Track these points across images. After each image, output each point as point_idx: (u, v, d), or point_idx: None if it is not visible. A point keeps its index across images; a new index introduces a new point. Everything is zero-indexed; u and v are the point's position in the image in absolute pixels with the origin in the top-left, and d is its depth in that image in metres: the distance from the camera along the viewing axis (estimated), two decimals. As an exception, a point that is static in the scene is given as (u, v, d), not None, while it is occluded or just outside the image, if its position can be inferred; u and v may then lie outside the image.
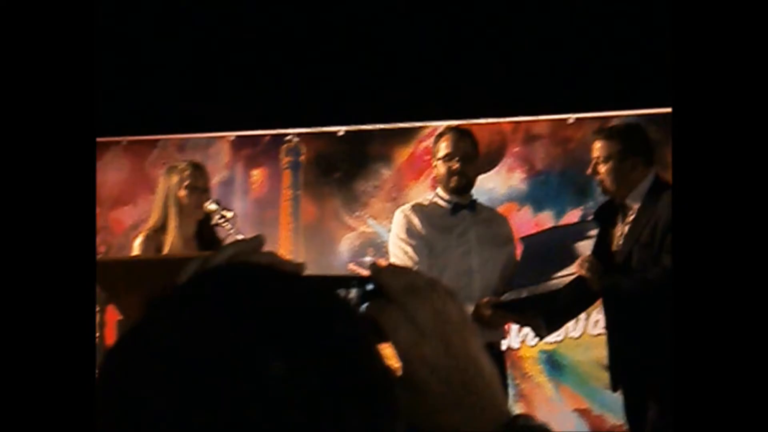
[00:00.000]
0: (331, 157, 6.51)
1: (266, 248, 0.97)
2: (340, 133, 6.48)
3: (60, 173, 0.84)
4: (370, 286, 0.94)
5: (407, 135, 6.46)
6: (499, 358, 4.64)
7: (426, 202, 4.67)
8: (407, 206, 4.69)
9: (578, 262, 4.23)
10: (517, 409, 5.03)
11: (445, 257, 4.50)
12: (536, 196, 6.14)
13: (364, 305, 0.94)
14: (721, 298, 0.69)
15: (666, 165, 5.00)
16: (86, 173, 0.86)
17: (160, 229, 4.68)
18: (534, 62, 6.02)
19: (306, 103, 6.30)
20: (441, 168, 4.59)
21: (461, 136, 4.65)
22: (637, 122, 5.27)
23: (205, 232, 4.75)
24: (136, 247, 4.68)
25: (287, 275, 0.85)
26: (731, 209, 0.73)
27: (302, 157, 6.55)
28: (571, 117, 6.23)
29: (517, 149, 6.31)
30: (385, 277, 0.93)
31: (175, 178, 4.73)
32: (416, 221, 4.54)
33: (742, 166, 0.73)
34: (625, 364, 4.35)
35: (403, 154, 6.45)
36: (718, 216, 0.74)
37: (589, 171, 4.46)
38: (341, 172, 6.49)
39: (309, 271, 0.98)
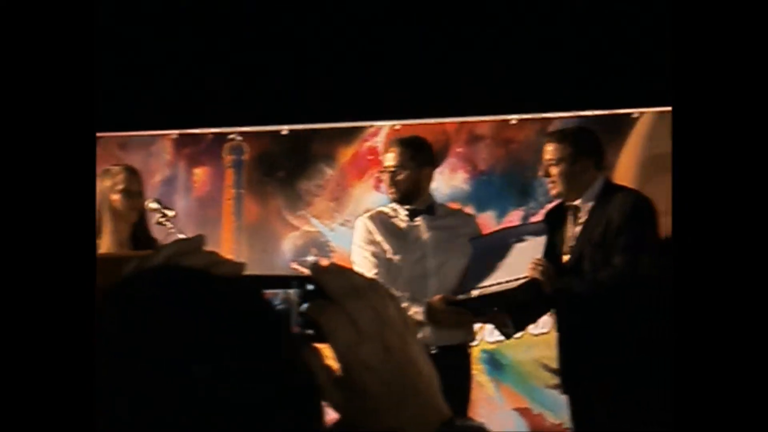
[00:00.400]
0: (274, 156, 6.49)
1: (209, 247, 0.96)
2: (284, 132, 6.46)
3: (59, 171, 0.83)
4: (310, 286, 0.94)
5: (351, 134, 6.46)
6: (467, 359, 4.70)
7: (386, 209, 4.81)
8: (367, 214, 4.86)
9: (530, 265, 4.27)
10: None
11: (400, 262, 4.62)
12: (479, 197, 6.17)
13: (304, 305, 0.94)
14: (721, 299, 0.70)
15: (612, 166, 5.06)
16: (86, 169, 0.85)
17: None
18: (477, 63, 6.05)
19: (249, 101, 6.28)
20: (387, 178, 4.73)
21: (406, 146, 4.77)
22: (587, 125, 5.32)
23: (140, 235, 4.73)
24: None
25: (217, 278, 0.85)
26: (732, 209, 0.73)
27: (245, 156, 6.52)
28: (514, 118, 6.27)
29: (460, 149, 6.34)
30: (325, 277, 0.92)
31: (107, 182, 4.69)
32: (373, 228, 4.70)
33: (743, 166, 0.74)
34: (575, 367, 4.39)
35: (346, 154, 6.44)
36: (719, 216, 0.74)
37: (541, 173, 4.52)
38: (284, 171, 6.47)
39: (251, 270, 0.98)
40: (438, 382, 0.94)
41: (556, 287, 4.24)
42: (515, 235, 4.57)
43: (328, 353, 0.92)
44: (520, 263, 4.34)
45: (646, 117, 6.12)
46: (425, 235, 4.67)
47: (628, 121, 6.07)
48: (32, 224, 0.79)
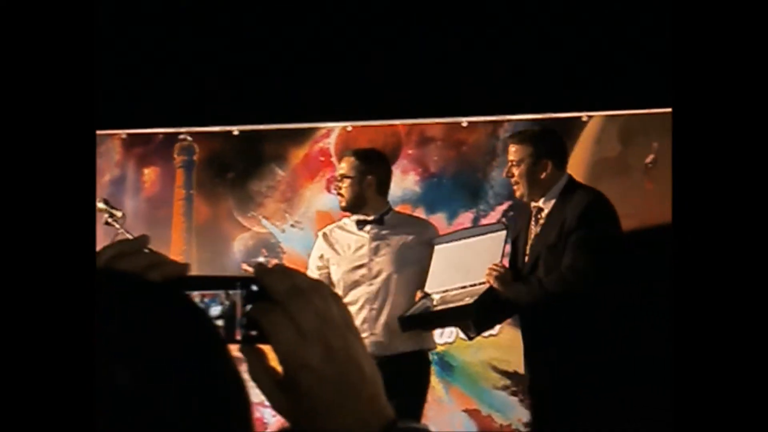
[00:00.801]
0: (225, 157, 6.46)
1: (158, 248, 0.96)
2: (235, 133, 6.44)
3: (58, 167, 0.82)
4: (255, 287, 0.94)
5: (302, 135, 6.45)
6: (427, 365, 4.72)
7: (342, 222, 4.88)
8: (326, 228, 4.95)
9: (488, 270, 4.30)
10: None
11: (349, 274, 4.70)
12: (429, 199, 6.19)
13: (248, 306, 0.93)
14: (722, 300, 0.70)
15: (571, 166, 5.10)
16: (86, 166, 0.84)
17: None
18: (428, 65, 6.07)
19: (200, 102, 6.24)
20: (340, 188, 4.79)
21: (350, 158, 4.82)
22: (551, 126, 5.36)
23: None
24: None
25: (149, 282, 0.84)
26: (732, 209, 0.74)
27: (196, 157, 6.49)
28: (465, 120, 6.30)
29: (411, 151, 6.36)
30: (268, 278, 0.92)
31: None
32: (323, 244, 4.79)
33: (744, 165, 0.75)
34: (533, 371, 4.41)
35: (297, 155, 6.43)
36: (720, 216, 0.75)
37: (504, 174, 4.54)
38: (235, 171, 6.44)
39: (201, 271, 0.98)
40: (382, 383, 0.93)
41: (508, 295, 4.26)
42: (476, 234, 4.61)
43: (272, 355, 0.92)
44: (481, 263, 4.37)
45: (595, 120, 6.18)
46: (376, 243, 4.70)
47: (578, 124, 6.13)
48: (25, 222, 0.78)
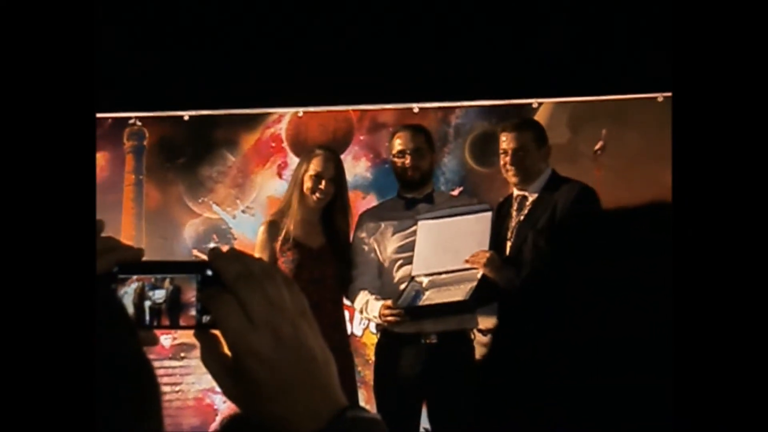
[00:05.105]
0: (175, 142, 6.42)
1: (108, 233, 0.96)
2: (185, 118, 6.40)
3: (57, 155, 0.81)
4: (208, 272, 0.94)
5: (254, 121, 6.43)
6: (470, 345, 4.65)
7: (385, 201, 4.97)
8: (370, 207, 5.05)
9: (476, 257, 4.35)
10: (360, 395, 5.08)
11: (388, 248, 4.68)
12: (381, 185, 6.20)
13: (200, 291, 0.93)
14: (723, 296, 0.71)
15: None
16: (86, 152, 0.83)
17: None
18: (380, 51, 6.07)
19: (150, 86, 6.19)
20: (397, 164, 4.77)
21: (415, 132, 4.80)
22: (503, 113, 5.42)
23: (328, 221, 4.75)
24: None
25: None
26: (733, 203, 0.74)
27: (146, 142, 6.44)
28: (416, 106, 6.31)
29: (363, 137, 6.36)
30: (221, 263, 0.92)
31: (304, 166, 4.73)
32: (370, 223, 4.77)
33: (745, 156, 0.75)
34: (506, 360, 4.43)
35: (249, 140, 6.41)
36: (720, 209, 0.75)
37: (502, 162, 4.61)
38: (186, 157, 6.40)
39: (151, 257, 0.97)
40: (335, 371, 0.93)
41: (500, 281, 4.30)
42: (461, 212, 4.63)
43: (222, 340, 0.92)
44: (469, 246, 4.42)
45: (545, 107, 6.22)
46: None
47: (529, 111, 6.17)
48: (29, 212, 0.78)
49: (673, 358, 0.75)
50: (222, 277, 0.91)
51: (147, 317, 0.95)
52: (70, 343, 0.72)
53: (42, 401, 0.70)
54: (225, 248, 0.96)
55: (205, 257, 0.93)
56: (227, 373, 0.91)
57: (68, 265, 0.76)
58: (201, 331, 0.94)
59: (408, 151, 4.71)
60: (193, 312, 0.94)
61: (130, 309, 0.94)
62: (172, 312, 0.95)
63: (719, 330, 0.77)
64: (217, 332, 0.92)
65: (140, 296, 0.95)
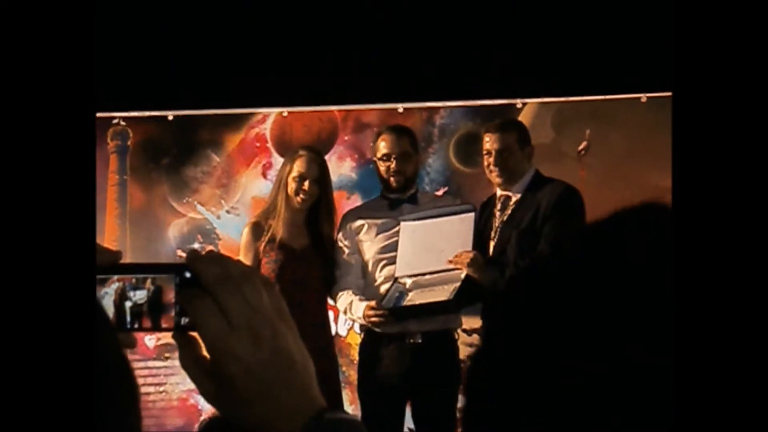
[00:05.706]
0: (159, 142, 6.40)
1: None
2: (170, 118, 6.38)
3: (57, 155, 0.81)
4: (188, 274, 0.93)
5: (238, 121, 6.42)
6: (454, 345, 4.64)
7: (369, 202, 4.95)
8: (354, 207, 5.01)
9: (460, 257, 4.35)
10: (344, 396, 5.08)
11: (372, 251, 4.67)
12: (365, 185, 6.19)
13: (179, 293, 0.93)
14: (723, 296, 0.70)
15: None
16: (86, 152, 0.83)
17: None
18: (364, 51, 6.07)
19: (135, 86, 6.17)
20: (381, 167, 4.73)
21: (400, 135, 4.77)
22: (487, 113, 5.43)
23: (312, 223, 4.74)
24: None
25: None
26: (733, 203, 0.74)
27: (130, 142, 6.42)
28: (401, 106, 6.31)
29: (347, 137, 6.36)
30: (200, 265, 0.91)
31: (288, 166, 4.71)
32: (353, 223, 4.73)
33: (745, 156, 0.75)
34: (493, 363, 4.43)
35: (233, 141, 6.40)
36: (720, 208, 0.75)
37: (486, 163, 4.60)
38: (170, 157, 6.39)
39: (135, 257, 0.97)
40: (314, 374, 0.92)
41: (484, 282, 4.30)
42: (443, 213, 4.63)
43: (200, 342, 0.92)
44: (452, 247, 4.42)
45: (529, 107, 6.24)
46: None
47: (513, 111, 6.18)
48: (28, 211, 0.77)
49: (647, 354, 0.76)
50: (201, 279, 0.91)
51: (128, 318, 0.94)
52: (70, 343, 0.72)
53: (42, 401, 0.70)
54: (209, 248, 0.95)
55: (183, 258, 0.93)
56: (206, 376, 0.91)
57: (68, 265, 0.76)
58: (180, 333, 0.94)
59: (393, 155, 4.68)
60: (173, 313, 0.94)
61: (111, 310, 0.93)
62: (153, 313, 0.94)
63: (719, 330, 0.77)
64: (195, 334, 0.92)
65: (121, 297, 0.94)
